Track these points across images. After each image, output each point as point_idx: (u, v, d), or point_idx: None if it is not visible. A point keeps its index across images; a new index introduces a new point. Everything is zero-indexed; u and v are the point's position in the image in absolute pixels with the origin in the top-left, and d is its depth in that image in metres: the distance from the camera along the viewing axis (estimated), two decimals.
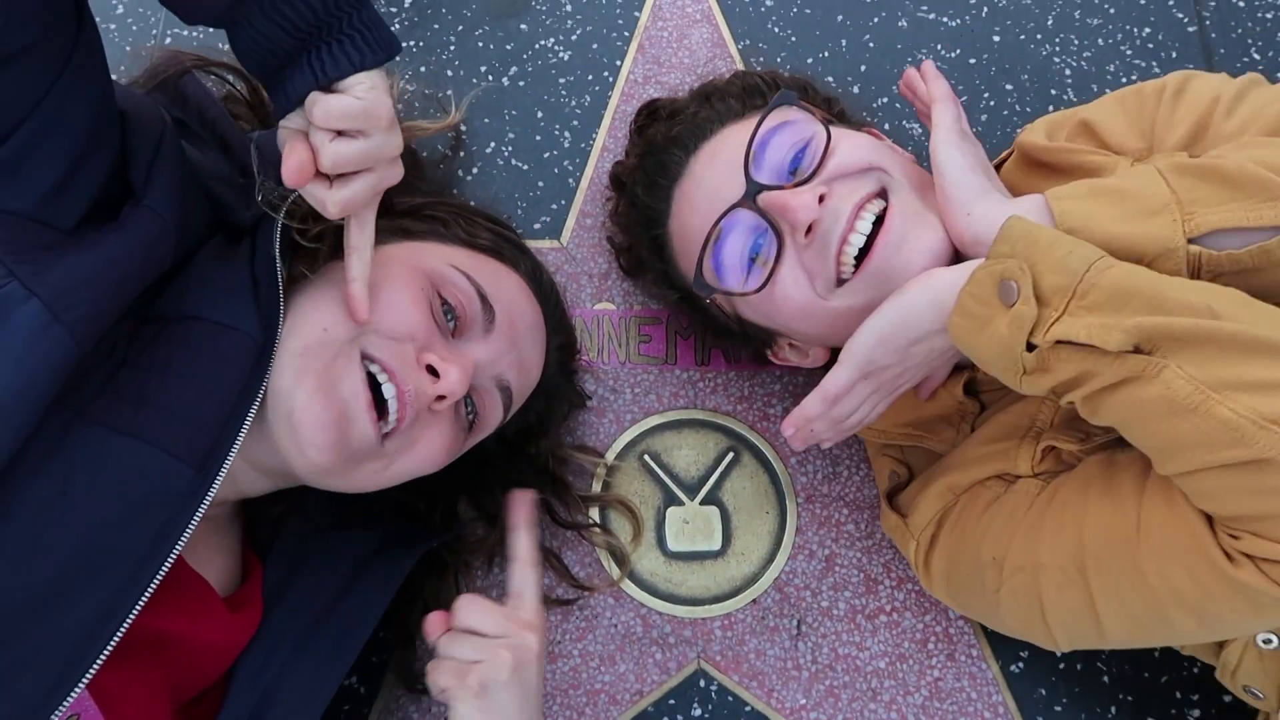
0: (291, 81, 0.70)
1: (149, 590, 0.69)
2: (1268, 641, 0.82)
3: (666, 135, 0.96)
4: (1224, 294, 0.69)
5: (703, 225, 0.89)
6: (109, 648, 0.67)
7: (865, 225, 0.84)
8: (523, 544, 0.86)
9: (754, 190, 0.86)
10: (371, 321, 0.79)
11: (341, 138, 0.70)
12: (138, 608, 0.68)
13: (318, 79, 0.69)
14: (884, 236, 0.83)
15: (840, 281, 0.85)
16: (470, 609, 0.82)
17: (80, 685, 0.66)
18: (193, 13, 0.69)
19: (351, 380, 0.77)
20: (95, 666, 0.67)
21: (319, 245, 0.85)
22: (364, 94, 0.70)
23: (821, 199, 0.83)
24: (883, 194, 0.85)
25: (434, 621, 0.83)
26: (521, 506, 0.87)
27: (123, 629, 0.68)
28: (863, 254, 0.84)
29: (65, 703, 0.66)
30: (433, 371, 0.79)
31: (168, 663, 0.77)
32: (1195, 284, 0.70)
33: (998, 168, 0.97)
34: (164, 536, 0.70)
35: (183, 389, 0.73)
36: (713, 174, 0.90)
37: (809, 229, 0.83)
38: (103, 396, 0.70)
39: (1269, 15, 1.23)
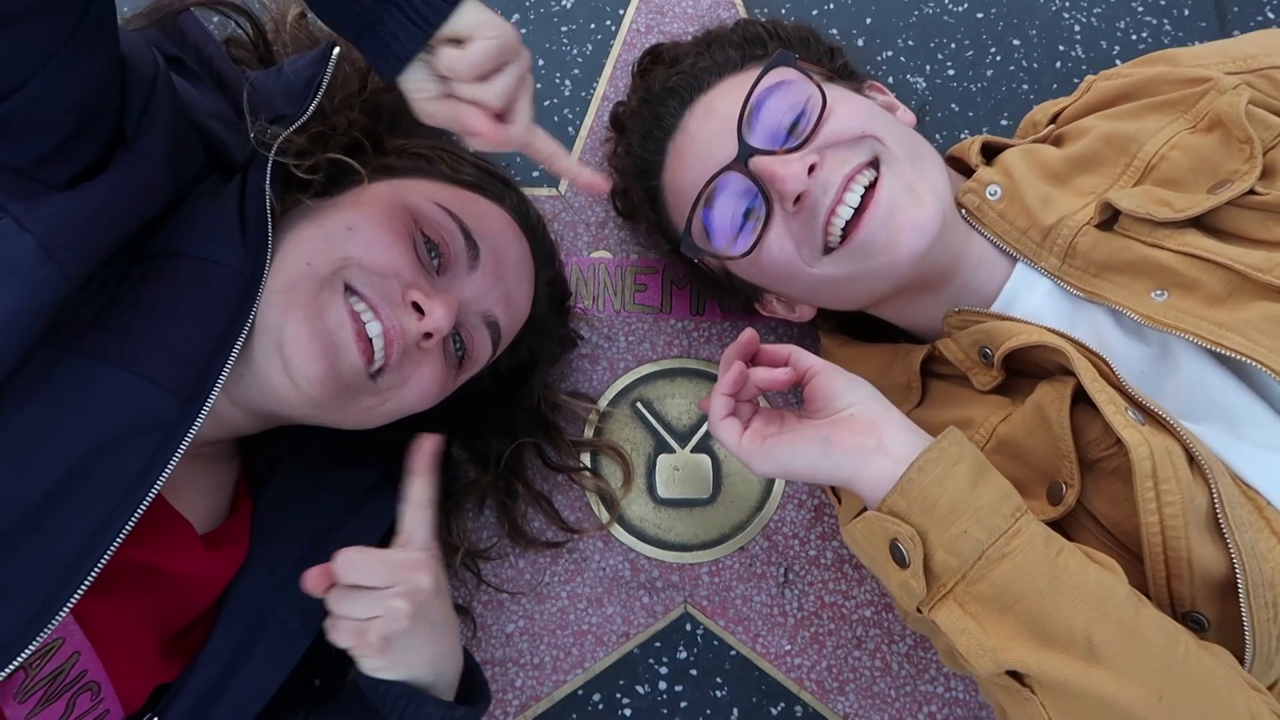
0: (395, 40, 0.66)
1: (135, 517, 0.70)
2: None
3: (664, 85, 0.95)
4: (1107, 615, 0.65)
5: (694, 183, 0.89)
6: (94, 573, 0.69)
7: (854, 198, 0.83)
8: (418, 488, 0.81)
9: (746, 153, 0.85)
10: (353, 255, 0.79)
11: (490, 77, 0.68)
12: (123, 534, 0.70)
13: (425, 30, 0.66)
14: (871, 210, 0.82)
15: (827, 249, 0.85)
16: (352, 566, 0.77)
17: (65, 609, 0.68)
18: None
19: (336, 310, 0.78)
20: (80, 591, 0.68)
21: (314, 177, 0.86)
22: (488, 32, 0.66)
23: (812, 169, 0.82)
24: (874, 163, 0.84)
25: (313, 577, 0.77)
26: (423, 453, 0.81)
27: (108, 555, 0.69)
28: (852, 223, 0.84)
29: (50, 625, 0.67)
30: (418, 309, 0.80)
31: (150, 593, 0.78)
32: (1082, 591, 0.65)
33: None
34: (151, 464, 0.72)
35: (169, 322, 0.74)
36: (706, 131, 0.89)
37: (798, 199, 0.83)
38: (92, 331, 0.72)
39: None
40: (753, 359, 0.81)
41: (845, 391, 0.74)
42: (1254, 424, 0.75)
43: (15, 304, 0.65)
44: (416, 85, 0.70)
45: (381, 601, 0.76)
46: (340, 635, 0.77)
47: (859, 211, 0.83)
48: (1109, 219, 0.82)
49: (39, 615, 0.67)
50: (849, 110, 0.86)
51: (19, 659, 0.66)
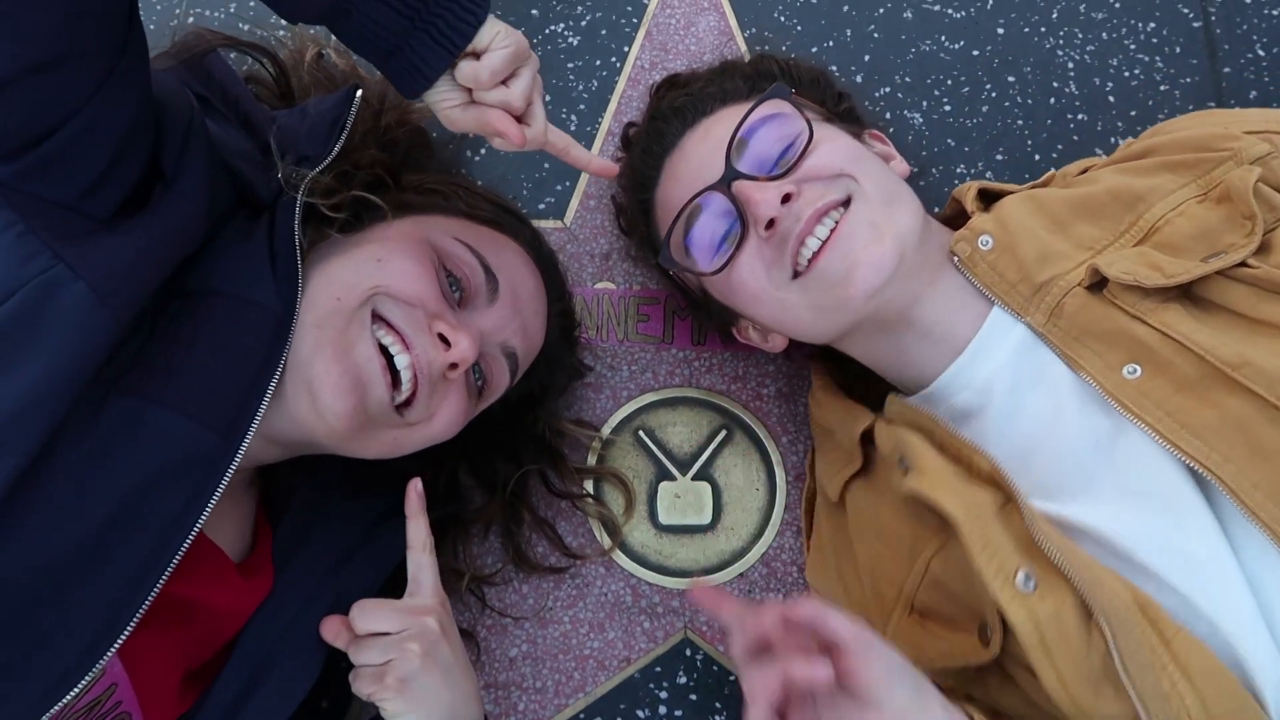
0: (425, 62, 0.72)
1: (180, 552, 0.73)
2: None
3: (670, 105, 0.99)
4: None
5: (681, 199, 0.92)
6: (143, 608, 0.71)
7: (823, 231, 0.86)
8: (415, 532, 0.87)
9: (730, 176, 0.88)
10: (382, 284, 0.82)
11: (508, 81, 0.75)
12: (169, 570, 0.72)
13: (452, 52, 0.72)
14: (832, 242, 0.85)
15: (796, 275, 0.87)
16: (366, 615, 0.83)
17: (117, 643, 0.70)
18: (296, 12, 0.71)
19: (364, 345, 0.80)
20: (130, 626, 0.70)
21: (339, 215, 0.89)
22: (502, 41, 0.73)
23: (787, 199, 0.85)
24: (849, 202, 0.86)
25: (331, 627, 0.85)
26: (413, 495, 0.88)
27: (155, 590, 0.71)
28: (815, 254, 0.86)
29: (103, 659, 0.69)
30: (444, 340, 0.82)
31: (185, 627, 0.80)
32: None
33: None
34: (194, 501, 0.74)
35: (207, 360, 0.76)
36: (700, 152, 0.93)
37: (770, 224, 0.86)
38: (135, 369, 0.74)
39: (1274, 11, 1.23)
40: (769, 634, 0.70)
41: (882, 685, 0.66)
42: (1192, 513, 0.75)
43: (72, 349, 0.68)
44: (442, 96, 0.76)
45: (396, 645, 0.81)
46: (362, 684, 0.82)
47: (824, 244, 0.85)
48: (1099, 282, 0.82)
49: (92, 649, 0.69)
50: (832, 148, 0.89)
51: (73, 691, 0.68)
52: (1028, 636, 0.71)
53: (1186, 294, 0.81)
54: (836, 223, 0.85)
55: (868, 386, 0.99)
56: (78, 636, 0.69)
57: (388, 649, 0.82)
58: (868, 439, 0.93)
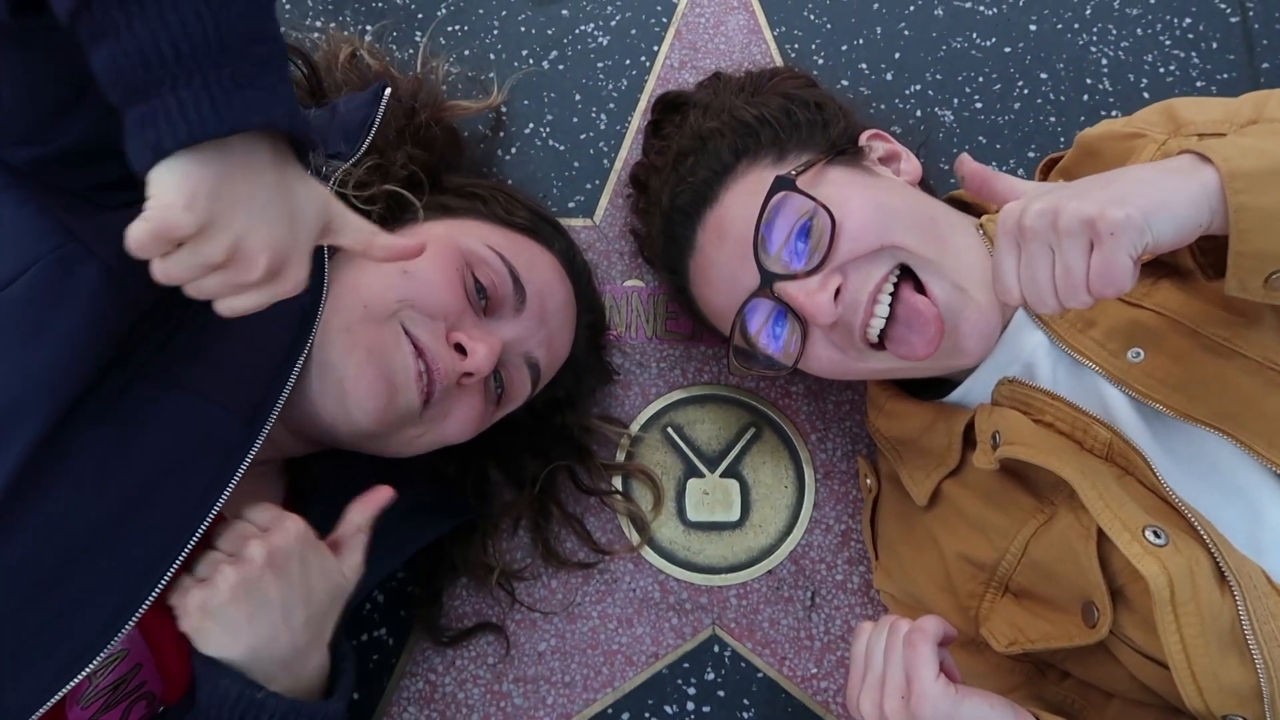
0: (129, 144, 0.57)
1: (199, 533, 0.74)
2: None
3: (671, 201, 0.95)
4: None
5: (724, 309, 0.92)
6: (160, 586, 0.72)
7: (883, 308, 0.85)
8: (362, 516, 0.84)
9: (769, 279, 0.87)
10: (408, 298, 0.83)
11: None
12: (188, 549, 0.73)
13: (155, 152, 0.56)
14: (936, 324, 0.83)
15: (871, 345, 0.87)
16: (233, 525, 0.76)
17: (132, 620, 0.71)
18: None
19: (401, 353, 0.82)
20: (147, 604, 0.71)
21: (371, 208, 0.89)
22: (150, 208, 0.57)
23: (837, 293, 0.84)
24: (900, 267, 0.85)
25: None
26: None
27: (174, 568, 0.73)
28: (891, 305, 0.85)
29: (118, 636, 0.71)
30: (461, 350, 0.84)
31: None
32: None
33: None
34: (214, 484, 0.75)
35: (234, 347, 0.78)
36: (724, 255, 0.91)
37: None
38: (162, 355, 0.75)
39: None
40: None
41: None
42: (1259, 486, 0.77)
43: (88, 329, 0.69)
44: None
45: (214, 564, 0.74)
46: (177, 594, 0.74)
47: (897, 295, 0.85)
48: None
49: (109, 626, 0.71)
50: (860, 222, 0.85)
51: (89, 667, 0.69)
52: (1160, 590, 0.70)
53: (1175, 270, 0.82)
54: (895, 288, 0.85)
55: (923, 388, 0.98)
56: (97, 610, 0.70)
57: (209, 564, 0.74)
58: (969, 434, 0.90)
